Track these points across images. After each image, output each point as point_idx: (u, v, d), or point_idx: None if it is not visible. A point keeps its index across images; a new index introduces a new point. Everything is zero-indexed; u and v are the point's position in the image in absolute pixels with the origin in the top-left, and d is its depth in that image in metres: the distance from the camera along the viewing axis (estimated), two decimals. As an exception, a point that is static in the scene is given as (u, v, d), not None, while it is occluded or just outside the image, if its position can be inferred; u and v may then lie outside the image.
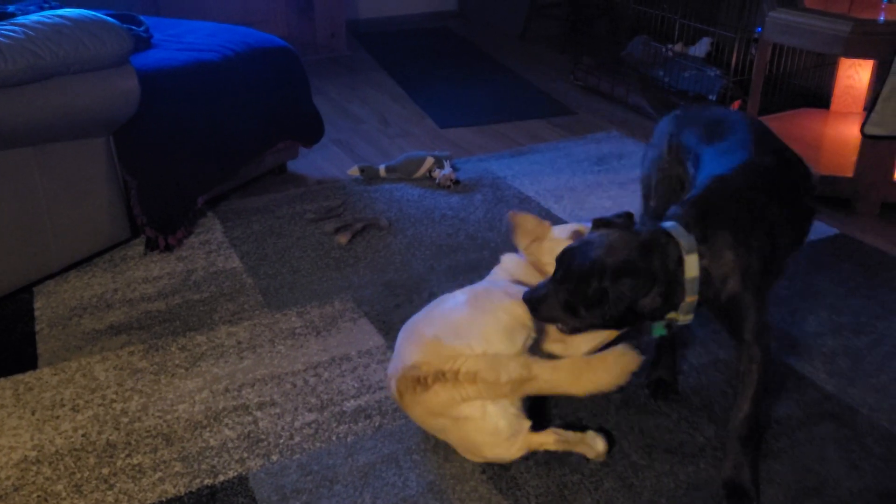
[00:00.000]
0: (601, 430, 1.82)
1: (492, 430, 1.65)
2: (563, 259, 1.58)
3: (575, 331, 1.64)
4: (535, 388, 1.65)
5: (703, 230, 1.52)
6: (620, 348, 1.64)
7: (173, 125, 2.59)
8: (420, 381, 1.65)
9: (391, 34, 5.79)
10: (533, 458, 1.76)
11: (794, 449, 1.79)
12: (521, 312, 1.70)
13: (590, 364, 1.64)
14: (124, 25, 2.38)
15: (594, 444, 1.73)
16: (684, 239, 1.51)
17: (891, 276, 2.48)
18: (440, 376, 1.62)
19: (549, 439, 1.71)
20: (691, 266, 1.51)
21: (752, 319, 1.57)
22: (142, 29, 2.81)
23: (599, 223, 1.62)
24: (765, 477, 1.71)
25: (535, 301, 1.62)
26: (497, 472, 1.73)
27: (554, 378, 1.64)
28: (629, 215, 1.63)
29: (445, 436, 1.72)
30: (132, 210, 2.57)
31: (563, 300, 1.57)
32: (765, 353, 1.60)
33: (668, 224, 1.55)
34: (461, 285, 2.21)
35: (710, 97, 3.89)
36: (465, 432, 1.67)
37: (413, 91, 4.47)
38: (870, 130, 2.61)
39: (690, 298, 1.53)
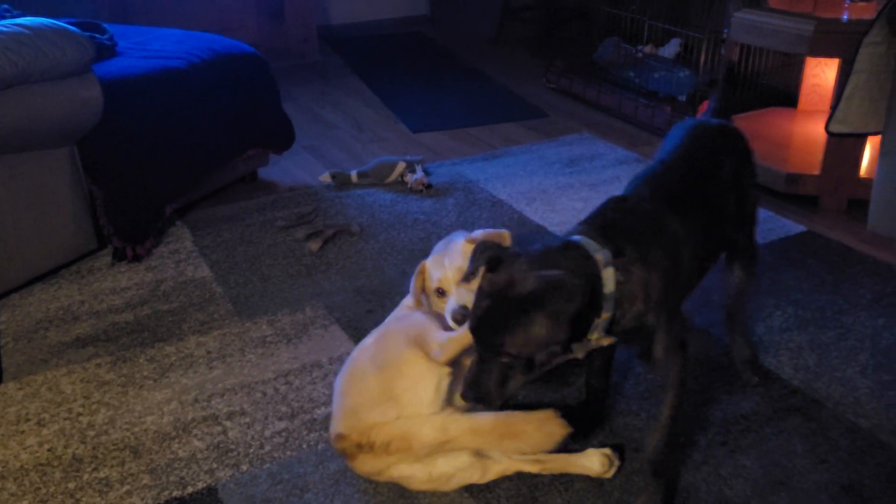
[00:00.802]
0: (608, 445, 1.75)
1: (440, 477, 1.65)
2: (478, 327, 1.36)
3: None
4: (459, 447, 1.62)
5: (611, 245, 1.42)
6: (546, 414, 1.60)
7: (139, 134, 2.57)
8: (347, 451, 1.64)
9: (363, 39, 5.78)
10: (503, 460, 1.76)
11: (762, 443, 1.80)
12: (425, 357, 1.65)
13: (512, 429, 1.61)
14: (87, 34, 2.36)
15: (589, 464, 1.69)
16: (601, 253, 1.40)
17: (855, 272, 2.50)
18: (361, 448, 1.62)
19: (528, 466, 1.70)
20: (608, 280, 1.39)
21: (662, 340, 1.49)
22: (105, 37, 2.79)
23: (493, 261, 1.40)
24: (732, 472, 1.72)
25: (475, 388, 1.39)
26: (467, 475, 1.73)
27: (475, 441, 1.62)
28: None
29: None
30: (99, 220, 2.54)
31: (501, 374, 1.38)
32: (677, 375, 1.53)
33: (577, 238, 1.43)
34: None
35: (681, 97, 3.93)
36: (418, 484, 1.67)
37: (385, 96, 4.47)
38: (834, 128, 2.64)
39: (605, 315, 1.40)
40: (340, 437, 1.66)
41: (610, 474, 1.70)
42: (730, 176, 1.72)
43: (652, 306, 1.45)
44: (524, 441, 1.61)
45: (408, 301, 1.93)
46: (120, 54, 2.82)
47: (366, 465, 1.64)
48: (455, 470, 1.65)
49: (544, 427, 1.60)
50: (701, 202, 1.62)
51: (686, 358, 1.55)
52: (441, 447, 1.60)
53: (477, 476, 1.67)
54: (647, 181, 1.61)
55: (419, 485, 1.67)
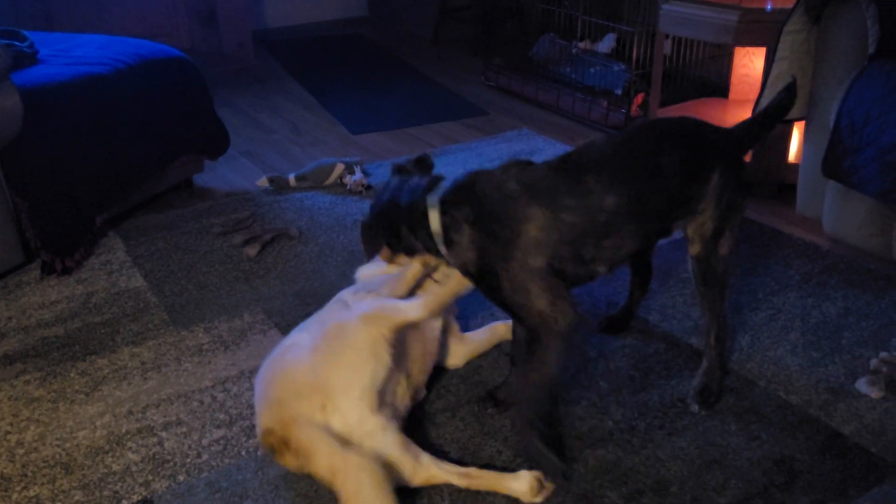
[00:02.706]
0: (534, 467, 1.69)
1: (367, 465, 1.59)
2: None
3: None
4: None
5: (454, 201, 1.63)
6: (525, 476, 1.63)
7: (63, 143, 2.51)
8: (274, 447, 1.61)
9: (301, 42, 5.74)
10: (446, 455, 1.76)
11: (697, 425, 1.83)
12: (372, 334, 1.67)
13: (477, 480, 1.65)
14: (4, 41, 2.30)
15: (518, 486, 1.63)
16: (430, 197, 1.63)
17: (785, 254, 2.56)
18: (285, 445, 1.59)
19: (455, 479, 1.66)
20: (434, 220, 1.62)
21: (533, 313, 1.61)
22: (25, 44, 2.71)
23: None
24: (670, 454, 1.75)
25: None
26: (408, 472, 1.72)
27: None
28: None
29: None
30: (25, 233, 2.47)
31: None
32: (550, 355, 1.63)
33: (434, 182, 1.68)
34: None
35: (616, 91, 3.97)
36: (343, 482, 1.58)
37: (324, 99, 4.44)
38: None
39: (436, 236, 1.64)
40: (267, 432, 1.62)
41: (539, 499, 1.63)
42: (674, 173, 1.69)
43: (493, 266, 1.61)
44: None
45: (367, 272, 1.96)
46: (42, 62, 2.75)
47: (291, 462, 1.61)
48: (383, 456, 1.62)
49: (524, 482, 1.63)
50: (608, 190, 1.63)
51: (562, 341, 1.62)
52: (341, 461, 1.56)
53: (407, 472, 1.64)
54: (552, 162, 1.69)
55: (348, 484, 1.60)
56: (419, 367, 1.85)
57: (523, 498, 1.63)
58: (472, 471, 1.66)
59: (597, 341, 2.15)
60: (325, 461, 1.55)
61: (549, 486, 1.64)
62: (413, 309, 1.70)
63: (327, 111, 4.24)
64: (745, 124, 1.82)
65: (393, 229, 1.70)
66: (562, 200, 1.60)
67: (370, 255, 1.78)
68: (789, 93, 1.81)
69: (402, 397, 1.77)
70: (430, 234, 1.65)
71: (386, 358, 1.66)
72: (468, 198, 1.63)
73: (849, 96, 2.23)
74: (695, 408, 1.88)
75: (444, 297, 1.74)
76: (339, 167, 3.22)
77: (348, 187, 3.16)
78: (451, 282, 1.75)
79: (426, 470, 1.64)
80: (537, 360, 1.64)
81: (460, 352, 2.06)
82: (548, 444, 1.68)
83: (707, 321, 1.87)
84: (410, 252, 1.72)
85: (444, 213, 1.63)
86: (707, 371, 1.89)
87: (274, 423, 1.61)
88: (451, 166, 3.38)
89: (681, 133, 1.74)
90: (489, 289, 1.66)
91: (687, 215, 1.76)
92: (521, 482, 1.63)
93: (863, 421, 1.83)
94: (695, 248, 1.80)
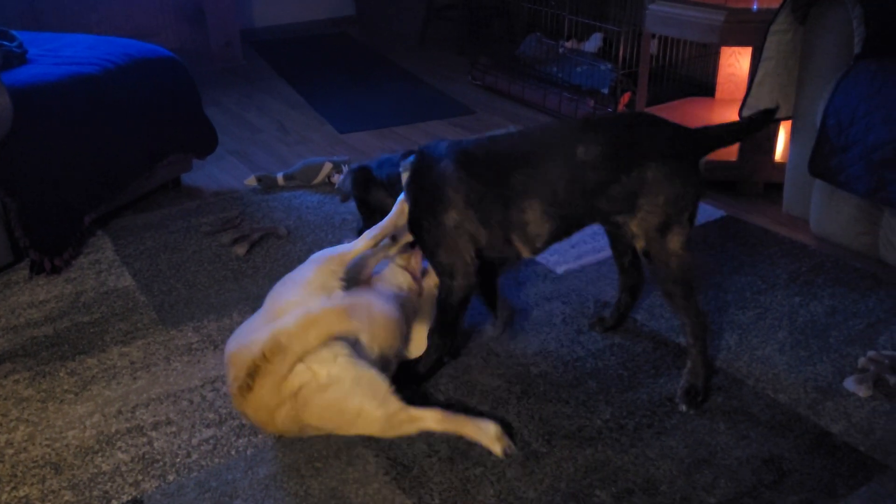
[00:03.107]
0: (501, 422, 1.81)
1: (344, 396, 1.69)
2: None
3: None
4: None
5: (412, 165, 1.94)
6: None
7: (52, 142, 2.50)
8: (243, 389, 1.66)
9: (288, 42, 5.72)
10: (436, 454, 1.77)
11: (686, 424, 1.85)
12: (322, 271, 1.84)
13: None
14: (-8, 41, 2.29)
15: (486, 429, 1.75)
16: (402, 164, 1.96)
17: (772, 253, 2.59)
18: (253, 371, 1.64)
19: (430, 415, 1.74)
20: (403, 178, 1.93)
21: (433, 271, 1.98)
22: (14, 44, 2.70)
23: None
24: (659, 453, 1.76)
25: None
26: (400, 472, 1.73)
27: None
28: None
29: (311, 422, 1.72)
30: (14, 233, 2.46)
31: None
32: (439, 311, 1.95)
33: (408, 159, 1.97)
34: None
35: (603, 90, 3.99)
36: (319, 406, 1.69)
37: (312, 98, 4.43)
38: (747, 114, 2.70)
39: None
40: (234, 379, 1.68)
41: (499, 451, 1.74)
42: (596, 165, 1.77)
43: (420, 218, 1.90)
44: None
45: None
46: (31, 62, 2.73)
47: (265, 387, 1.65)
48: (353, 383, 1.69)
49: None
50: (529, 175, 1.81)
51: (449, 295, 1.92)
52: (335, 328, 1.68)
53: (379, 414, 1.70)
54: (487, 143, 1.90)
55: (322, 404, 1.68)
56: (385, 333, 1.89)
57: (489, 443, 1.76)
58: (445, 416, 1.75)
59: (584, 340, 2.16)
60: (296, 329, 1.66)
61: (512, 447, 1.77)
62: (357, 243, 1.92)
63: (315, 110, 4.23)
64: (712, 127, 1.86)
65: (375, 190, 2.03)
66: (477, 168, 1.83)
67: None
68: (767, 115, 1.85)
69: (376, 342, 1.82)
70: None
71: (335, 286, 1.82)
72: (417, 162, 1.93)
73: (835, 96, 2.25)
74: (682, 408, 1.89)
75: (383, 229, 1.93)
76: (328, 166, 3.22)
77: (336, 186, 3.16)
78: (391, 217, 1.94)
79: (393, 405, 1.72)
80: (438, 300, 1.95)
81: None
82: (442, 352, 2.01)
83: (681, 321, 1.90)
84: (385, 207, 1.98)
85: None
86: (691, 370, 1.91)
87: (237, 368, 1.68)
88: (440, 166, 3.38)
89: (611, 128, 1.80)
90: (417, 237, 1.95)
91: (626, 210, 1.80)
92: (490, 427, 1.76)
93: (851, 420, 1.85)
94: (640, 243, 1.84)
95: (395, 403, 1.73)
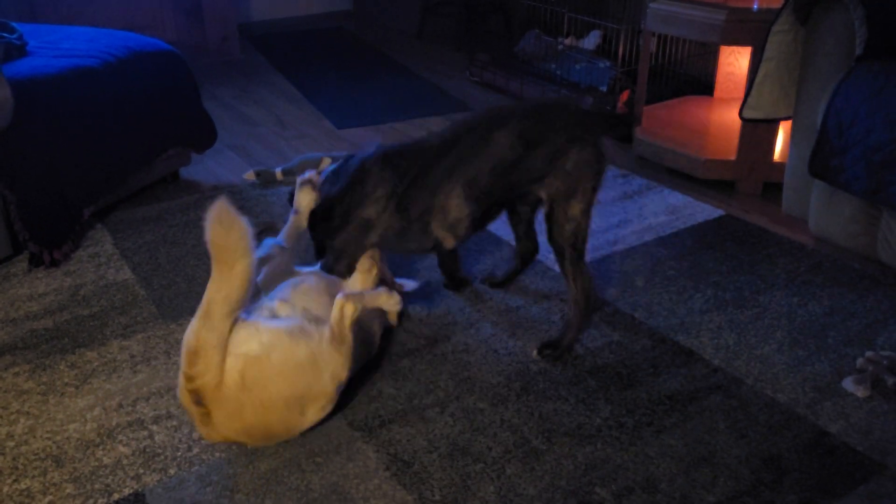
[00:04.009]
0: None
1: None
2: None
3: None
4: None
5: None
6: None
7: (52, 135, 2.49)
8: (203, 419, 1.66)
9: (286, 36, 5.71)
10: (436, 450, 1.77)
11: (686, 422, 1.85)
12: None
13: None
14: (-8, 33, 2.28)
15: (385, 297, 1.89)
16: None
17: (771, 253, 2.60)
18: (196, 396, 1.64)
19: (344, 305, 1.75)
20: None
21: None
22: (14, 36, 2.69)
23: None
24: (659, 451, 1.77)
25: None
26: (400, 467, 1.73)
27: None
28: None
29: (284, 394, 1.69)
30: (13, 225, 2.45)
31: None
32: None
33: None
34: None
35: (602, 88, 3.99)
36: (274, 376, 1.67)
37: (309, 92, 4.43)
38: (747, 114, 2.72)
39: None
40: (202, 428, 1.68)
41: (397, 308, 1.94)
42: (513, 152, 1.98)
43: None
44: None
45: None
46: (30, 54, 2.72)
47: (228, 425, 1.66)
48: (289, 337, 1.70)
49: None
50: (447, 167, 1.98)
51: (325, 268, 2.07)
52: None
53: (325, 345, 1.73)
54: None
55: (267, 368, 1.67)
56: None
57: (388, 306, 1.91)
58: (351, 297, 1.77)
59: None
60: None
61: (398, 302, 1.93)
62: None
63: (312, 105, 4.22)
64: (613, 113, 2.13)
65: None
66: (398, 162, 1.99)
67: None
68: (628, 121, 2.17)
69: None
70: None
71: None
72: (343, 162, 2.09)
73: (836, 97, 2.26)
74: (534, 353, 2.10)
75: (293, 227, 2.11)
76: (326, 161, 3.22)
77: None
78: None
79: (325, 329, 1.75)
80: (322, 266, 2.09)
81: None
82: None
83: (567, 283, 2.07)
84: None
85: None
86: (564, 327, 2.10)
87: (187, 403, 1.67)
88: (439, 162, 3.38)
89: (525, 112, 2.00)
90: (319, 226, 2.06)
91: (537, 182, 2.01)
92: (383, 297, 1.89)
93: (849, 420, 1.86)
94: (546, 208, 2.04)
95: (323, 328, 1.75)
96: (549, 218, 2.02)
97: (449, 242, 2.05)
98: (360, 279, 2.07)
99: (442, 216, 2.00)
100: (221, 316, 1.62)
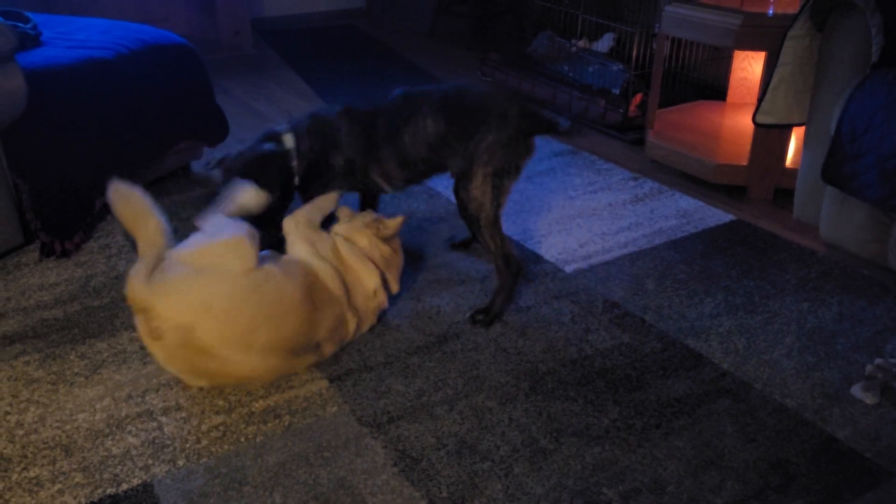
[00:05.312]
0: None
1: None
2: None
3: None
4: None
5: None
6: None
7: (65, 126, 2.50)
8: (153, 335, 1.81)
9: (298, 32, 5.72)
10: (444, 448, 1.77)
11: (694, 425, 1.85)
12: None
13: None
14: (9, 22, 2.29)
15: (367, 280, 2.11)
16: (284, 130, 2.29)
17: (781, 258, 2.59)
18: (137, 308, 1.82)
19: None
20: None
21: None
22: (29, 26, 2.69)
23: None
24: (666, 453, 1.77)
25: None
26: (408, 464, 1.73)
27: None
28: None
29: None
30: (25, 215, 2.46)
31: None
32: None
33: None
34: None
35: (614, 90, 3.99)
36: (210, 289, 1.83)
37: (321, 89, 4.43)
38: (761, 119, 2.72)
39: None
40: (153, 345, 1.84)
41: (380, 298, 2.13)
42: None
43: None
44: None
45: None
46: (44, 44, 2.73)
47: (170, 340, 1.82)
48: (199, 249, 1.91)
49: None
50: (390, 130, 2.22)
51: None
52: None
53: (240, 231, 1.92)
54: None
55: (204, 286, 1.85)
56: None
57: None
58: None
59: (593, 339, 2.17)
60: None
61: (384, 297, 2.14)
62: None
63: (324, 102, 4.23)
64: (536, 113, 2.24)
65: None
66: (360, 118, 2.24)
67: None
68: (570, 131, 2.32)
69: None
70: None
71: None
72: (311, 120, 2.30)
73: (851, 103, 2.25)
74: (466, 317, 2.25)
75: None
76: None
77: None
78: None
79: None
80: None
81: None
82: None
83: (486, 251, 2.27)
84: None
85: None
86: (493, 294, 2.27)
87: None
88: (450, 161, 3.38)
89: (444, 97, 2.20)
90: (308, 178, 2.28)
91: (450, 158, 2.22)
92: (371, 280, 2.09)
93: (857, 426, 1.86)
94: (455, 185, 2.22)
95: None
96: (456, 195, 2.22)
97: (387, 189, 2.32)
98: (346, 228, 2.19)
99: (380, 170, 2.26)
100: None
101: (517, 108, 2.18)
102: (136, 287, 1.80)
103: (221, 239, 1.90)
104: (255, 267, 1.88)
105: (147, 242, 1.88)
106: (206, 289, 1.81)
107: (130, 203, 1.90)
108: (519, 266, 2.25)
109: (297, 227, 2.09)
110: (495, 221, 2.21)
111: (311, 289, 1.96)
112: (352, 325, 2.08)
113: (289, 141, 2.22)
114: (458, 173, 2.20)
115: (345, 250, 2.10)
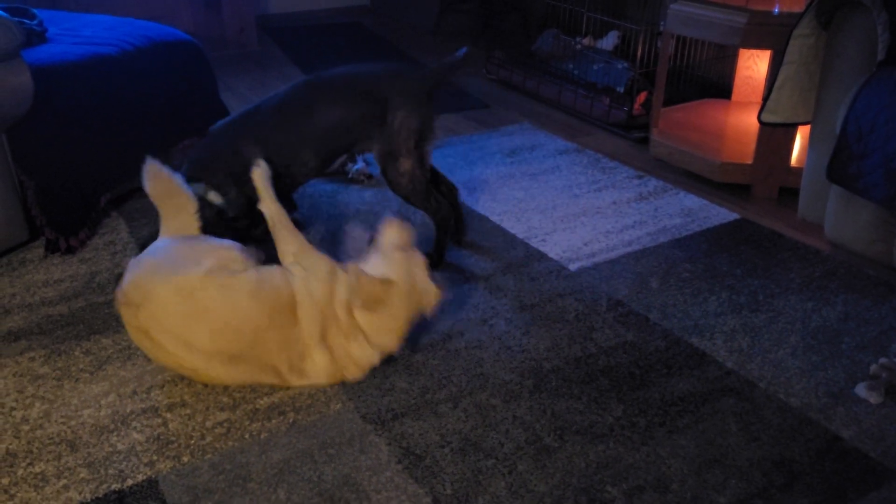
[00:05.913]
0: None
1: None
2: None
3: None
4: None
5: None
6: None
7: (71, 122, 2.50)
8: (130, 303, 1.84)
9: (302, 29, 5.72)
10: (448, 445, 1.78)
11: (698, 424, 1.85)
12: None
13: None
14: (15, 18, 2.29)
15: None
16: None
17: (786, 257, 2.59)
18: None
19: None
20: None
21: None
22: (35, 22, 2.70)
23: None
24: (670, 451, 1.77)
25: None
26: (412, 461, 1.74)
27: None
28: None
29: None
30: (30, 211, 2.47)
31: None
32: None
33: None
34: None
35: (619, 89, 3.98)
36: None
37: (325, 86, 4.42)
38: (766, 118, 2.71)
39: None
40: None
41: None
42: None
43: None
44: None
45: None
46: (50, 40, 2.74)
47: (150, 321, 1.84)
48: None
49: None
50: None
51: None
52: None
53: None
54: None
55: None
56: None
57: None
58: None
59: (597, 337, 2.17)
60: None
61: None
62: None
63: (329, 99, 4.22)
64: (427, 72, 2.38)
65: None
66: (261, 120, 2.29)
67: None
68: (468, 58, 2.45)
69: None
70: None
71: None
72: (209, 144, 2.41)
73: (857, 102, 2.25)
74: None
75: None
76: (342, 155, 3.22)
77: (350, 176, 3.16)
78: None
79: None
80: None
81: None
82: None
83: (428, 215, 2.41)
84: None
85: None
86: (434, 245, 2.46)
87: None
88: (452, 158, 3.39)
89: (345, 84, 2.32)
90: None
91: (364, 140, 2.31)
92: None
93: (861, 425, 1.86)
94: (380, 166, 2.32)
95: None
96: (385, 175, 2.32)
97: (301, 178, 2.36)
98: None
99: (298, 161, 2.30)
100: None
101: (414, 77, 2.32)
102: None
103: (214, 243, 1.96)
104: (221, 273, 1.85)
105: (173, 219, 2.03)
106: (158, 276, 1.84)
107: (162, 181, 2.03)
108: (448, 224, 2.45)
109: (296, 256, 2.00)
110: (426, 188, 2.35)
111: (277, 307, 1.87)
112: (317, 363, 1.93)
113: (214, 197, 2.30)
114: (382, 155, 2.30)
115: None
